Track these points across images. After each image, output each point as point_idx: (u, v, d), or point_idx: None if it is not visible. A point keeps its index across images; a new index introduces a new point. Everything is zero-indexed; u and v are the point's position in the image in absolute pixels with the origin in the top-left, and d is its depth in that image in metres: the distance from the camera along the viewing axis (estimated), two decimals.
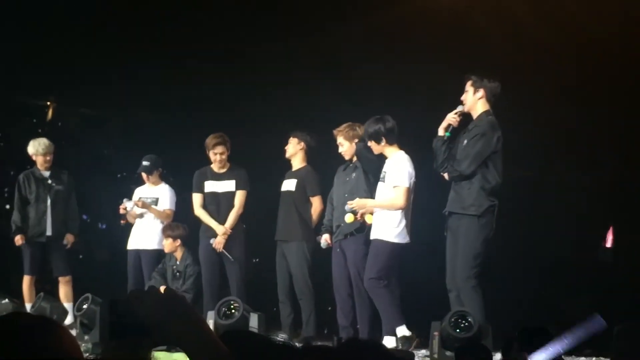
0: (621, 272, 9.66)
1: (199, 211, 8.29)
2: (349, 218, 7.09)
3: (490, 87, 6.58)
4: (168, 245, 8.59)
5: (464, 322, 6.32)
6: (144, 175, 9.00)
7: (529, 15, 9.22)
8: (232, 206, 8.19)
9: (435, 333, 6.38)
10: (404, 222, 6.85)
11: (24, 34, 9.99)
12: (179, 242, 8.60)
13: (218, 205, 8.22)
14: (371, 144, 6.99)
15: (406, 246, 6.92)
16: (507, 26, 9.30)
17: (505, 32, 9.28)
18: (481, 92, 6.57)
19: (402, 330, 6.79)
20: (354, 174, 7.30)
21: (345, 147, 7.37)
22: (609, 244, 9.94)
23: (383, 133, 6.90)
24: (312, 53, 9.97)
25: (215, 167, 8.28)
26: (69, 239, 8.82)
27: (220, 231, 8.09)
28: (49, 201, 8.79)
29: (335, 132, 7.49)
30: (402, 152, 6.96)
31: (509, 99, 8.38)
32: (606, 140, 9.54)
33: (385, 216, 6.85)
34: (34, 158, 8.89)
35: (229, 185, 8.23)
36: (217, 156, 8.20)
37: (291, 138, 8.15)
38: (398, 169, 6.84)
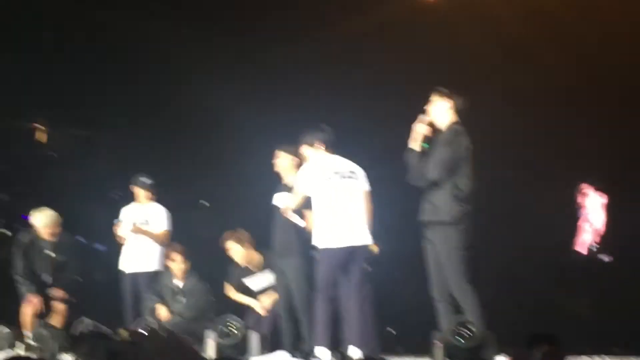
0: (615, 270, 9.79)
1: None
2: None
3: (457, 100, 6.68)
4: (183, 265, 8.51)
5: (466, 331, 6.35)
6: (139, 191, 8.84)
7: (508, 15, 9.35)
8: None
9: (438, 343, 6.43)
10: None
11: (4, 56, 9.99)
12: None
13: None
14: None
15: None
16: (486, 27, 9.43)
17: (483, 33, 9.41)
18: (448, 104, 6.67)
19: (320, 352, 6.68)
20: None
21: None
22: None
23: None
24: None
25: None
26: (57, 294, 8.59)
27: None
28: (50, 271, 8.58)
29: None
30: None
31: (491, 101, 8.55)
32: (588, 141, 9.68)
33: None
34: (37, 229, 8.49)
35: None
36: None
37: (281, 152, 8.11)
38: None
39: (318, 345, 6.69)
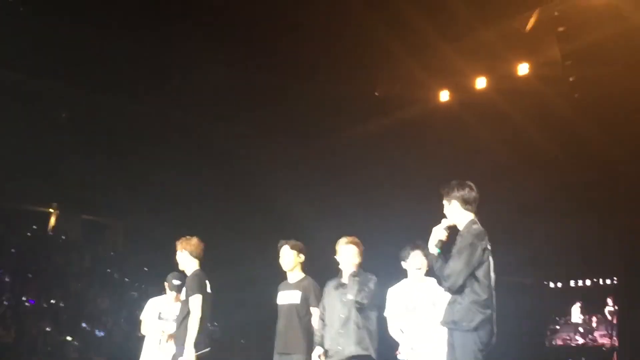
0: None
1: None
2: None
3: (461, 195, 6.39)
4: None
5: None
6: (173, 292, 8.64)
7: (520, 116, 9.37)
8: None
9: None
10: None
11: (26, 141, 10.07)
12: None
13: None
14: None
15: None
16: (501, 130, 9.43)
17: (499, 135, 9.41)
18: (454, 203, 6.41)
19: None
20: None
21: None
22: None
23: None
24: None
25: None
26: None
27: None
28: None
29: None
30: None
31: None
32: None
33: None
34: None
35: None
36: None
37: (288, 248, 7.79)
38: None
39: None
